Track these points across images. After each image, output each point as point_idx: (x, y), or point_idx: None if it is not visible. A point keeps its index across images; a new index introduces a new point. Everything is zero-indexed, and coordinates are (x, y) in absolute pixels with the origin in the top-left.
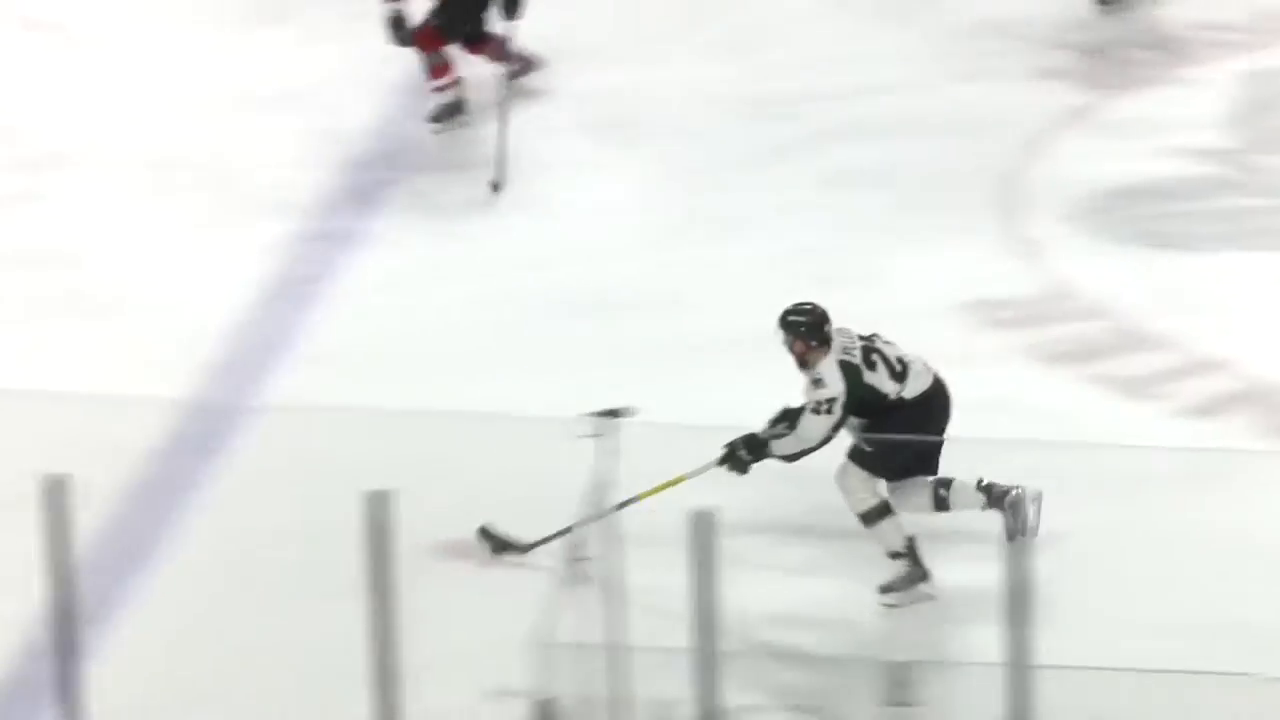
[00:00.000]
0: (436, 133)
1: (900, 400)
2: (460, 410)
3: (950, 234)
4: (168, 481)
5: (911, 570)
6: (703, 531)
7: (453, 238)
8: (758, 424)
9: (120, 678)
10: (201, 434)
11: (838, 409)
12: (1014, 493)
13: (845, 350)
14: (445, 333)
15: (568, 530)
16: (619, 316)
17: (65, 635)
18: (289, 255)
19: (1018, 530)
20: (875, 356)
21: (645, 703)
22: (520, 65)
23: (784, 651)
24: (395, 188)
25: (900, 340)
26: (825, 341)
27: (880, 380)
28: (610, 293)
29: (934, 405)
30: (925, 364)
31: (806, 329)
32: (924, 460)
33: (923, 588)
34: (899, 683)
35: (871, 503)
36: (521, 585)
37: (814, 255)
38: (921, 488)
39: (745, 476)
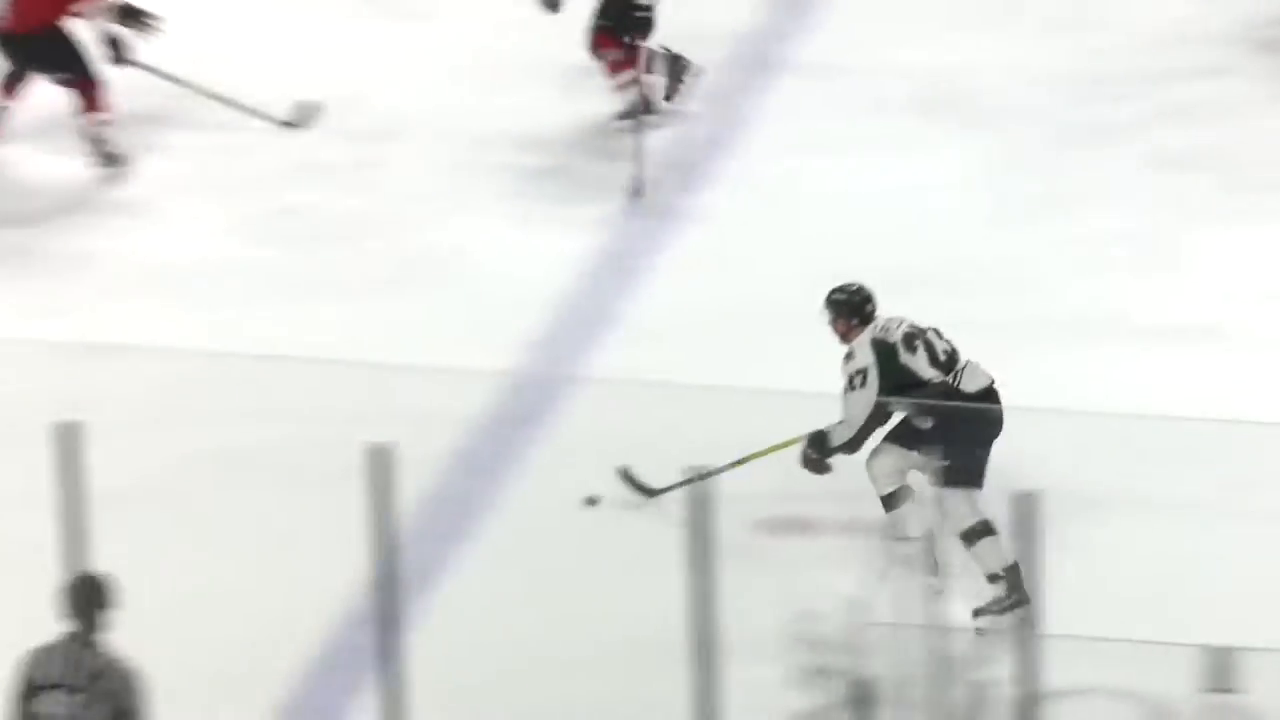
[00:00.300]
0: (624, 130)
1: (948, 387)
2: (780, 388)
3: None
4: (491, 452)
5: (1011, 595)
6: (1025, 512)
7: (778, 215)
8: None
9: (441, 647)
10: (525, 406)
11: (871, 381)
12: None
13: (883, 330)
14: (769, 310)
15: (691, 481)
16: (950, 295)
17: (388, 604)
18: (615, 231)
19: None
20: (918, 342)
21: (963, 683)
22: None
23: (1101, 635)
24: (718, 165)
25: (1225, 322)
26: (865, 321)
27: (918, 364)
28: (939, 271)
29: (988, 415)
30: (984, 370)
31: (847, 308)
32: (972, 472)
33: (1018, 611)
34: (1220, 668)
35: (970, 522)
36: (839, 562)
37: (1136, 238)
38: (965, 509)
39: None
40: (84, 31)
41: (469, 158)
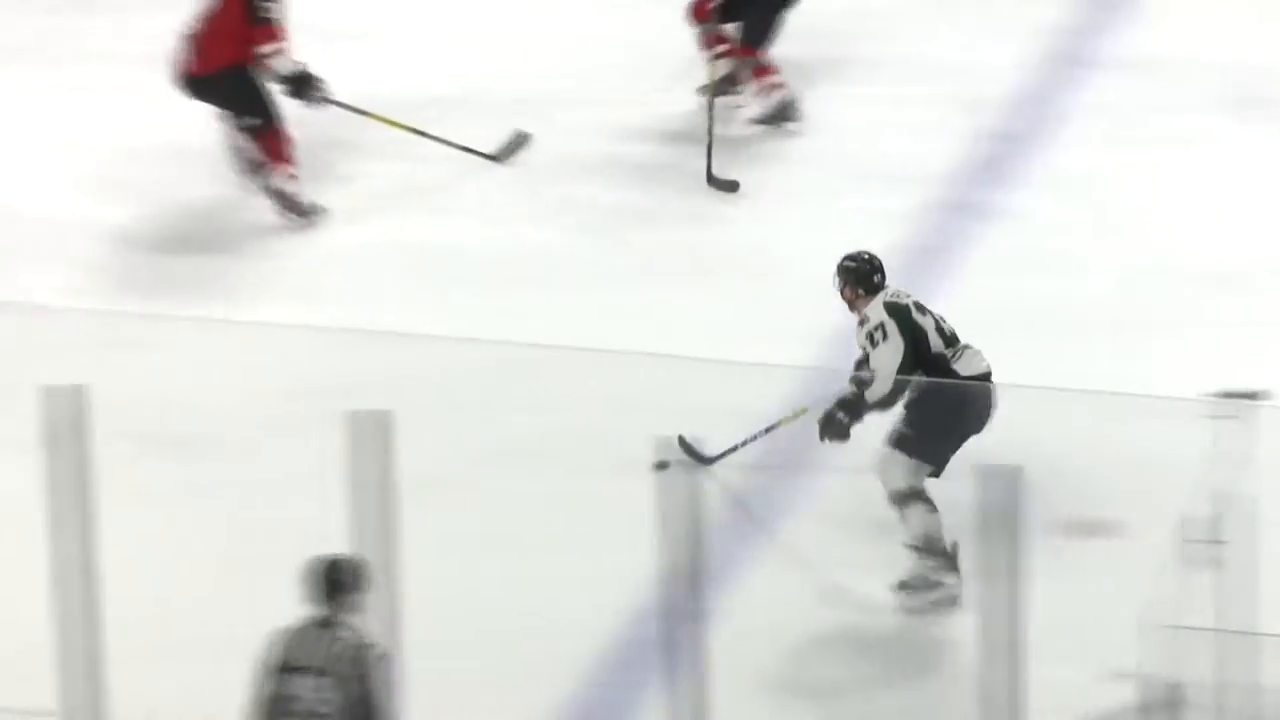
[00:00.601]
0: (763, 131)
1: (949, 366)
2: (1086, 387)
3: None
4: (789, 447)
5: (933, 569)
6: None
7: (1090, 211)
8: None
9: (741, 640)
10: (824, 401)
11: (892, 333)
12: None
13: (894, 295)
14: (1083, 307)
15: (743, 444)
16: (1261, 293)
17: (685, 598)
18: (918, 225)
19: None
20: (927, 311)
21: (1273, 691)
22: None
23: None
24: (1025, 160)
25: None
26: (872, 291)
27: (928, 326)
28: (1254, 269)
29: (981, 403)
30: (983, 357)
31: (854, 275)
32: (937, 454)
33: (941, 593)
34: None
35: (903, 485)
36: (1142, 564)
37: None
38: (902, 472)
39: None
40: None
41: (772, 150)
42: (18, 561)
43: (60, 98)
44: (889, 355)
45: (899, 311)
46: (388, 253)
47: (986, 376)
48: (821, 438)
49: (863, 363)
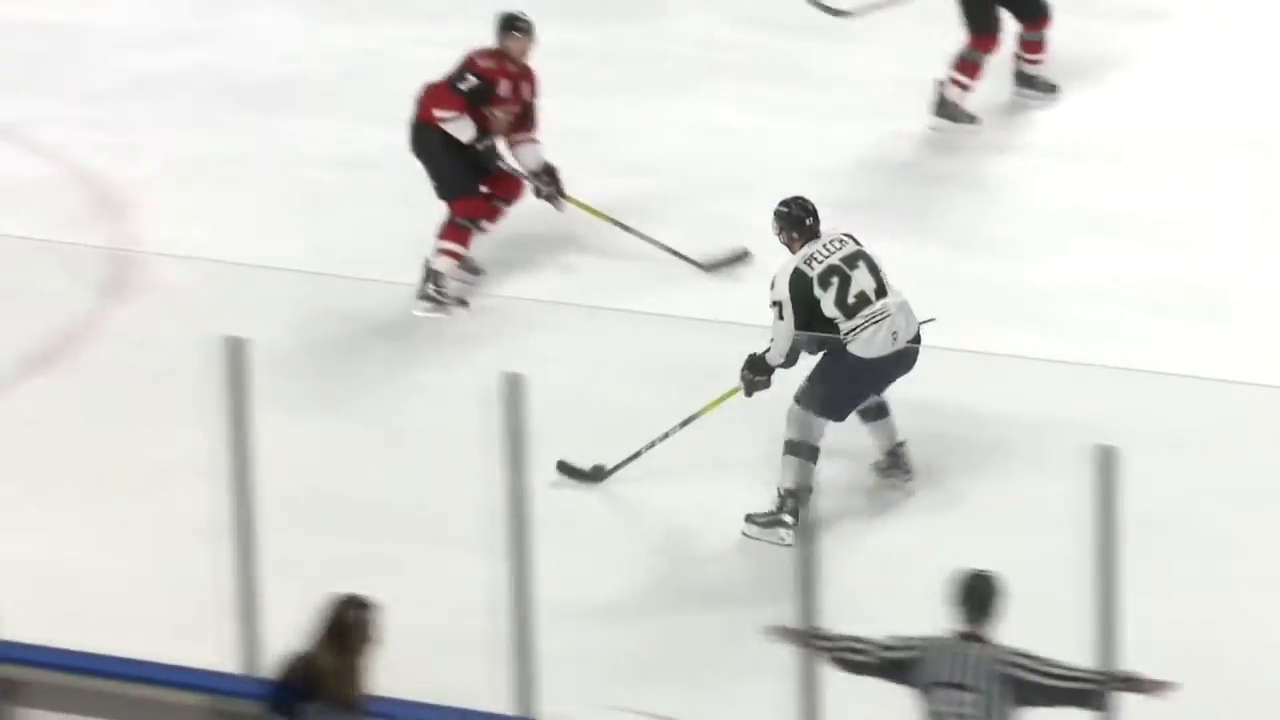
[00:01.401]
0: (934, 128)
1: (844, 340)
2: None
3: None
4: None
5: (783, 514)
6: None
7: None
8: None
9: None
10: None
11: (788, 314)
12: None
13: (809, 259)
14: None
15: (638, 455)
16: None
17: None
18: None
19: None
20: (834, 279)
21: None
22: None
23: None
24: None
25: None
26: (806, 236)
27: (828, 299)
28: None
29: (886, 368)
30: (898, 319)
31: (788, 221)
32: (836, 406)
33: (782, 533)
34: None
35: (793, 435)
36: None
37: None
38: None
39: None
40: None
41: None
42: None
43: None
44: (782, 333)
45: (801, 287)
46: (1126, 285)
47: (906, 351)
48: (748, 394)
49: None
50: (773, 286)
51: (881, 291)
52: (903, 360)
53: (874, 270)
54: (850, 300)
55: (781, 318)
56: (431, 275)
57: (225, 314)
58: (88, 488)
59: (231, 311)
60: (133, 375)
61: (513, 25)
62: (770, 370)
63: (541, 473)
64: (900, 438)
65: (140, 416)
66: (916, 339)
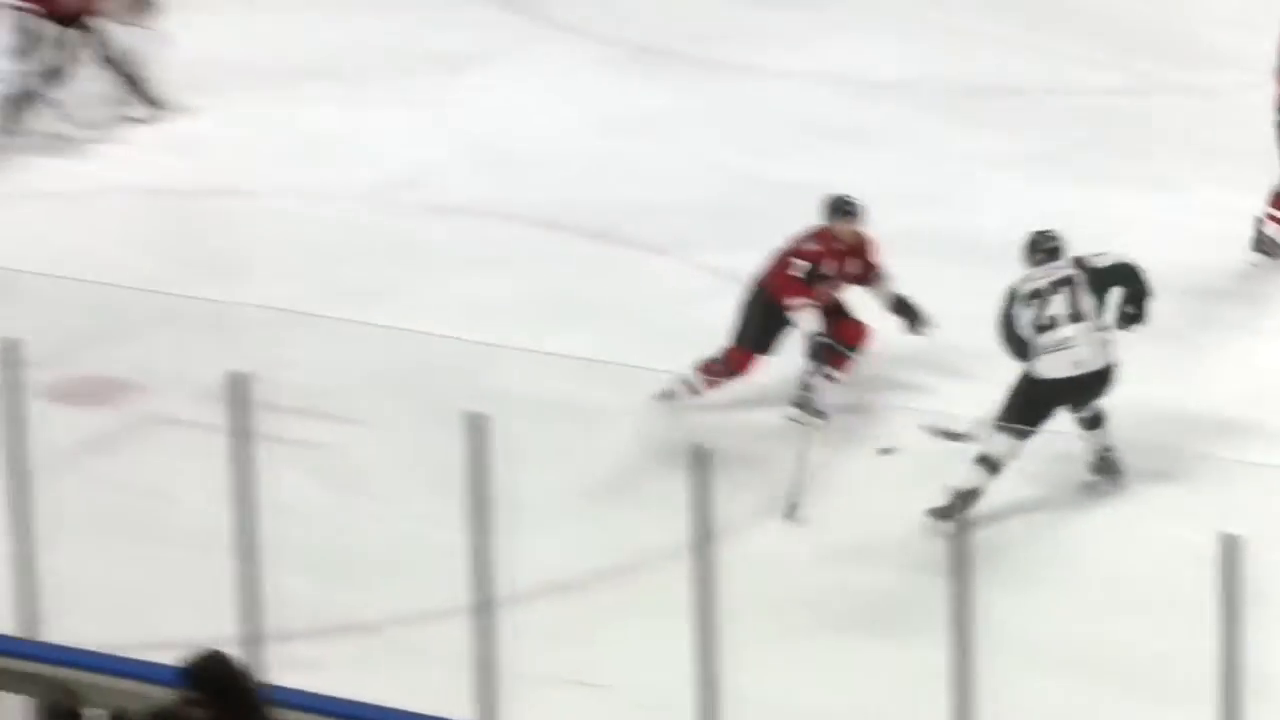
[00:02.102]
0: (1256, 265)
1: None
2: None
3: None
4: None
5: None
6: None
7: None
8: None
9: None
10: None
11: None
12: None
13: (1027, 278)
14: None
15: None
16: None
17: None
18: None
19: None
20: (1035, 299)
21: None
22: None
23: None
24: None
25: None
26: (1042, 258)
27: (1022, 321)
28: None
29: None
30: (1082, 349)
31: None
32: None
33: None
34: None
35: (984, 448)
36: None
37: None
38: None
39: None
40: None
41: None
42: None
43: None
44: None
45: (1006, 300)
46: None
47: (1091, 376)
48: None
49: None
50: None
51: (1076, 318)
52: (1087, 386)
53: (1074, 298)
54: (1041, 323)
55: None
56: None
57: None
58: None
59: None
60: None
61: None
62: None
63: None
64: (1110, 443)
65: None
66: (1105, 369)
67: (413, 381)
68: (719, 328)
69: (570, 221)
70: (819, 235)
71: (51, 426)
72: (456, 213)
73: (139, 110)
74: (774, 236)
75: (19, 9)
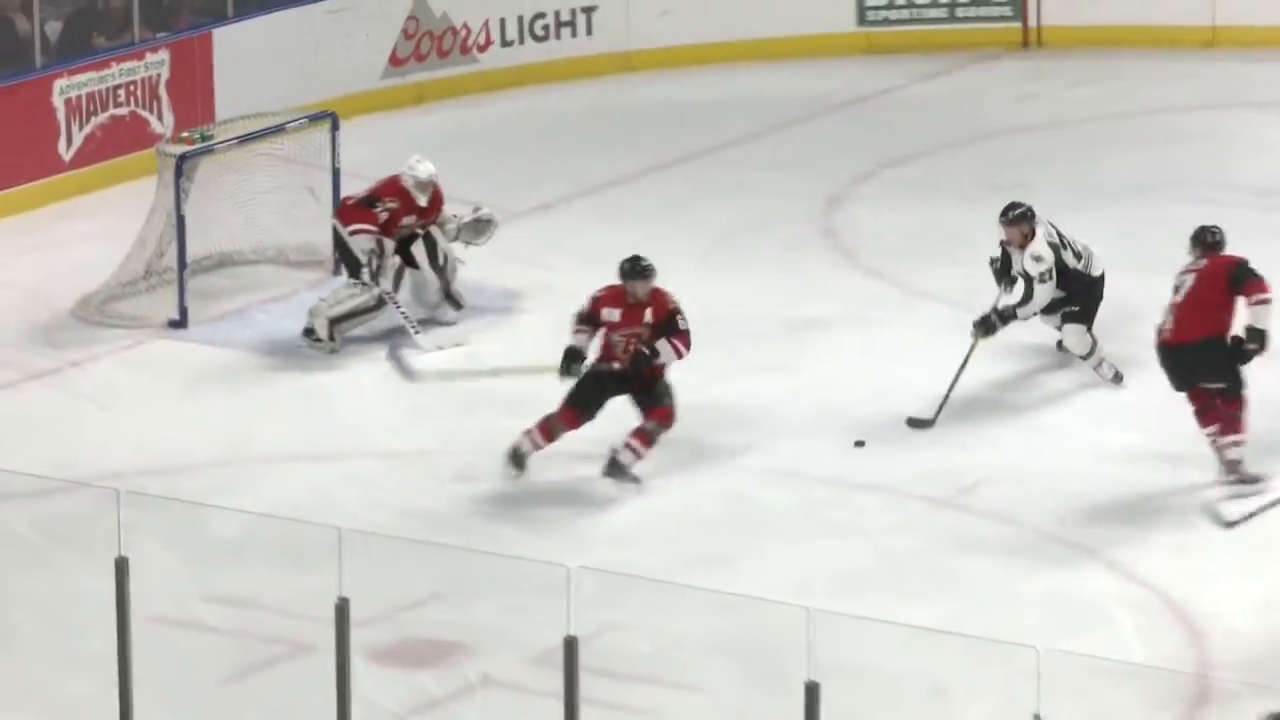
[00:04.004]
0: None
1: (1082, 273)
2: None
3: None
4: None
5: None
6: None
7: None
8: None
9: None
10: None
11: (1051, 276)
12: None
13: (1049, 235)
14: None
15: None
16: None
17: None
18: None
19: None
20: (1065, 242)
21: None
22: None
23: None
24: None
25: None
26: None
27: (1067, 257)
28: None
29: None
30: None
31: (1025, 219)
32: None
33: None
34: None
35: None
36: None
37: None
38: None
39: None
40: None
41: None
42: None
43: None
44: (1045, 293)
45: (1055, 253)
46: None
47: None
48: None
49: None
50: (1039, 260)
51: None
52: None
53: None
54: (1078, 248)
55: (1046, 279)
56: (1231, 465)
57: None
58: None
59: None
60: None
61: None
62: (1008, 323)
63: None
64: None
65: None
66: None
67: (750, 648)
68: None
69: (912, 488)
70: None
71: (378, 688)
72: (792, 476)
73: (450, 313)
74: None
75: (366, 233)
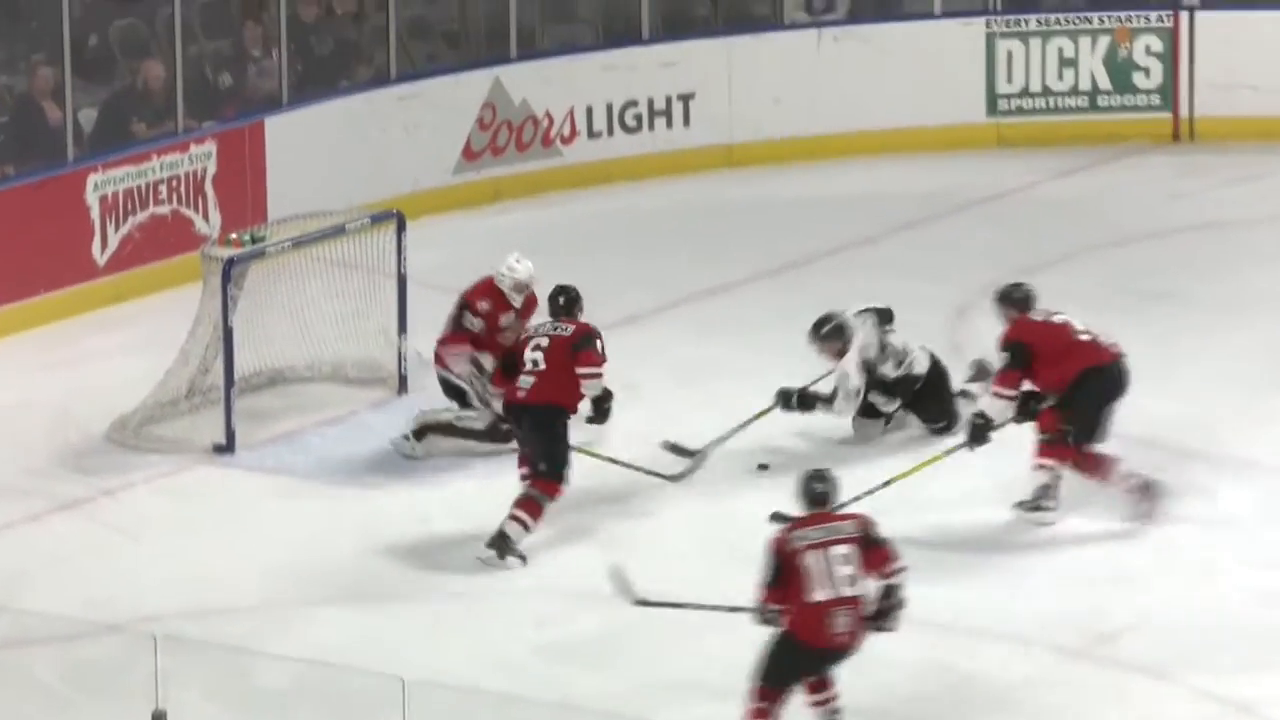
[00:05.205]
0: None
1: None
2: None
3: None
4: None
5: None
6: None
7: None
8: None
9: None
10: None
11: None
12: None
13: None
14: None
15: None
16: None
17: None
18: None
19: None
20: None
21: None
22: None
23: None
24: None
25: None
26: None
27: (889, 369)
28: None
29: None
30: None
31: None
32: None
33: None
34: None
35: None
36: None
37: None
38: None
39: None
40: None
41: None
42: None
43: None
44: (844, 407)
45: (869, 371)
46: None
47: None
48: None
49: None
50: (846, 377)
51: None
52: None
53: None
54: (899, 353)
55: (848, 398)
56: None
57: None
58: None
59: None
60: None
61: None
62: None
63: None
64: None
65: None
66: None
67: None
68: None
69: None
70: None
71: None
72: None
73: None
74: None
75: (457, 356)
